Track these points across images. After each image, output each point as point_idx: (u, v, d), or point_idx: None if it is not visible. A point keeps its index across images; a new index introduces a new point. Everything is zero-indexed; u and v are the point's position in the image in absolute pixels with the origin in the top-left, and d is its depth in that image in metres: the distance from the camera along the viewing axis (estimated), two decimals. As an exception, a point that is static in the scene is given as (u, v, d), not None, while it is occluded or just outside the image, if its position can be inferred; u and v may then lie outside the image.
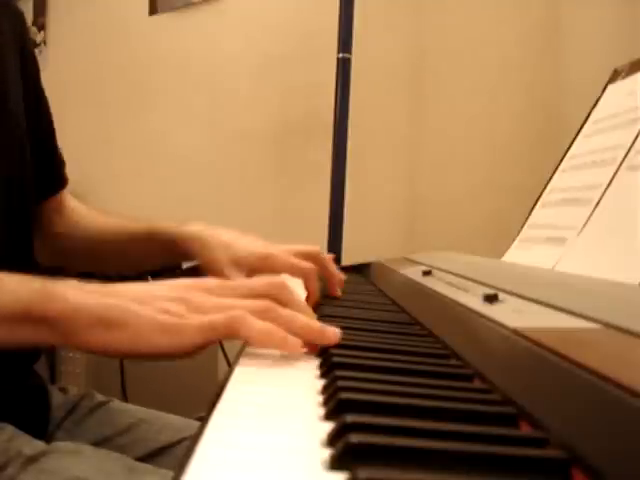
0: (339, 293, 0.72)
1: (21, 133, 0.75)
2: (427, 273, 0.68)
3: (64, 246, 0.88)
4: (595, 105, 0.85)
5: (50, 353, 1.68)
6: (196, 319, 0.44)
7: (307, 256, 0.72)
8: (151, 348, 0.44)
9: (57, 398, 0.79)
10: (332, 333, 0.44)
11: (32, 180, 0.77)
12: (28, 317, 0.45)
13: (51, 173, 0.87)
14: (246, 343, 0.46)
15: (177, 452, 0.73)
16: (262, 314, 0.44)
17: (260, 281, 0.51)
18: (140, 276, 1.13)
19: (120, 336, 0.43)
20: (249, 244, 0.77)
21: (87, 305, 0.44)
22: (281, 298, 0.49)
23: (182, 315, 0.44)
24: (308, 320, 0.46)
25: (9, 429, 0.62)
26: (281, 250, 0.74)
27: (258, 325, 0.43)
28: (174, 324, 0.44)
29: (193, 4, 2.15)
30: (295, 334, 0.44)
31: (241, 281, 0.53)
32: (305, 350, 0.45)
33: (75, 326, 0.44)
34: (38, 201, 0.81)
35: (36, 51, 2.80)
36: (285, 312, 0.46)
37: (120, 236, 0.84)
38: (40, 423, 0.74)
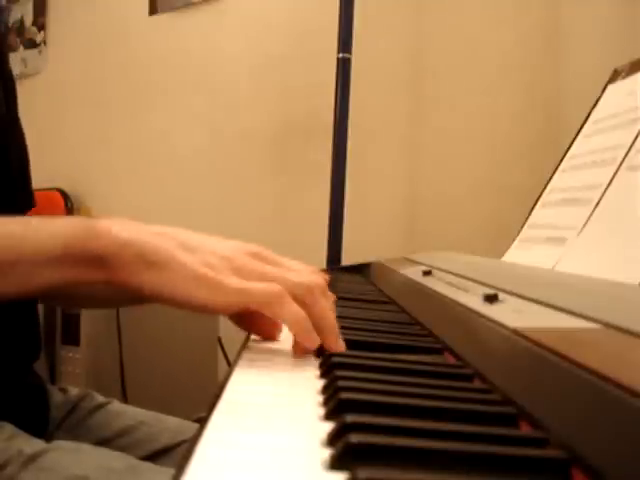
0: None
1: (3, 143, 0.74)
2: (427, 273, 0.68)
3: None
4: (595, 105, 0.85)
5: (50, 353, 1.68)
6: (235, 280, 0.44)
7: None
8: (186, 297, 0.44)
9: (57, 398, 0.79)
10: (341, 346, 0.44)
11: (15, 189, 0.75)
12: (72, 256, 0.45)
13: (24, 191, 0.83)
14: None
15: (176, 455, 0.73)
16: (302, 297, 0.45)
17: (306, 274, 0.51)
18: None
19: (158, 278, 0.44)
20: None
21: (132, 241, 0.44)
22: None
23: (223, 272, 0.44)
24: (335, 323, 0.46)
25: (9, 428, 0.62)
26: None
27: (293, 308, 0.44)
28: (212, 278, 0.44)
29: (193, 4, 2.15)
30: (318, 328, 0.45)
31: (291, 265, 0.52)
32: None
33: (120, 262, 0.44)
34: None
35: (36, 51, 2.80)
36: (321, 305, 0.46)
37: None
38: (40, 423, 0.74)
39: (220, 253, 0.46)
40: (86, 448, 0.63)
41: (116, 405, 0.81)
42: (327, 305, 0.47)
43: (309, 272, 0.50)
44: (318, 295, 0.47)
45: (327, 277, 0.62)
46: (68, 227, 0.46)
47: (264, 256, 0.49)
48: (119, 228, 0.45)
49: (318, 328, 0.45)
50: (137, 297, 0.49)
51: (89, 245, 0.45)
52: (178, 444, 0.74)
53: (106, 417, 0.78)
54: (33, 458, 0.58)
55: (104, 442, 0.74)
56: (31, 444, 0.60)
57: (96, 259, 0.45)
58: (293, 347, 0.46)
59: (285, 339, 0.49)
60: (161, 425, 0.78)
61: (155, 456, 0.73)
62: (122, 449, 0.72)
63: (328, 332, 0.45)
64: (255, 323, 0.50)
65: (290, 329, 0.45)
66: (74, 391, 0.81)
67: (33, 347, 0.76)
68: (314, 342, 0.44)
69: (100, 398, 0.81)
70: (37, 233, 0.47)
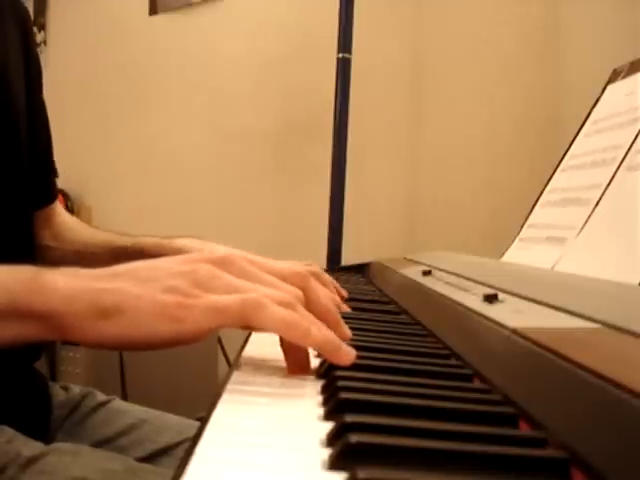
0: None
1: (21, 136, 0.74)
2: (427, 273, 0.68)
3: (51, 259, 0.83)
4: (595, 105, 0.85)
5: (50, 353, 1.68)
6: (203, 300, 0.38)
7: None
8: (150, 335, 0.38)
9: (59, 397, 0.79)
10: (345, 354, 0.39)
11: (27, 184, 0.75)
12: (15, 312, 0.40)
13: (45, 183, 0.84)
14: (257, 330, 0.41)
15: (178, 453, 0.73)
16: (287, 306, 0.40)
17: (287, 269, 0.46)
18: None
19: (116, 324, 0.38)
20: None
21: (79, 293, 0.39)
22: (309, 288, 0.45)
23: (188, 294, 0.39)
24: (326, 331, 0.40)
25: (8, 431, 0.61)
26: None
27: (278, 313, 0.38)
28: (173, 304, 0.38)
29: (193, 4, 2.15)
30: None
31: (264, 265, 0.46)
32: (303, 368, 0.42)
33: (68, 319, 0.39)
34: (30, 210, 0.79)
35: (36, 51, 2.76)
36: (306, 313, 0.41)
37: (106, 250, 0.81)
38: (41, 425, 0.74)
39: (179, 269, 0.40)
40: (85, 450, 0.63)
41: (118, 403, 0.81)
42: (323, 295, 0.44)
43: (295, 277, 0.45)
44: (298, 303, 0.41)
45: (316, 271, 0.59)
46: (12, 280, 0.41)
47: (232, 261, 0.43)
48: (65, 280, 0.40)
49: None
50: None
51: (34, 301, 0.39)
52: (180, 443, 0.74)
53: (108, 415, 0.78)
54: (32, 461, 0.58)
55: (106, 441, 0.74)
56: (30, 447, 0.60)
57: (43, 317, 0.39)
58: (287, 366, 0.42)
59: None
60: (163, 423, 0.78)
61: (157, 455, 0.73)
62: (124, 448, 0.72)
63: (319, 343, 0.39)
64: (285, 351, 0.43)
65: (285, 336, 0.40)
66: (76, 389, 0.81)
67: (35, 346, 0.76)
68: (316, 340, 0.39)
69: (102, 396, 0.81)
70: None
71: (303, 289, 0.45)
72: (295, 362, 0.42)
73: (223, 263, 0.42)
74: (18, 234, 0.73)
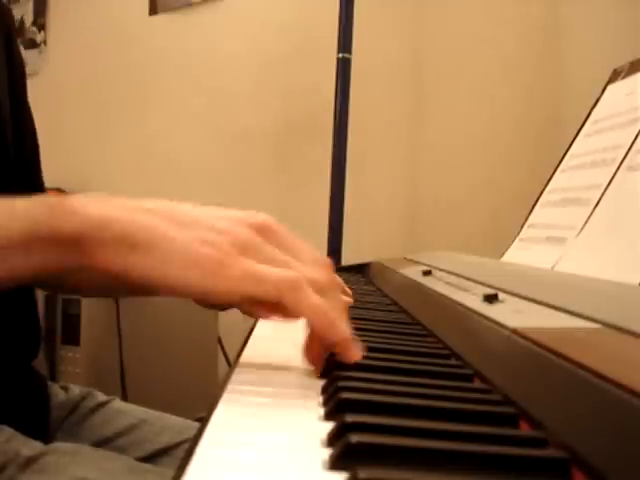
0: None
1: (7, 141, 0.72)
2: (427, 273, 0.68)
3: None
4: (595, 105, 0.85)
5: (50, 352, 1.68)
6: (242, 263, 0.37)
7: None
8: (182, 281, 0.37)
9: (58, 397, 0.79)
10: (356, 353, 0.38)
11: (15, 190, 0.74)
12: (43, 238, 0.38)
13: (33, 185, 0.80)
14: (284, 313, 0.39)
15: (178, 454, 0.73)
16: (319, 291, 0.38)
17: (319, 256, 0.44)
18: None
19: (145, 260, 0.37)
20: None
21: (112, 220, 0.37)
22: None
23: (225, 251, 0.37)
24: (347, 327, 0.39)
25: (7, 430, 0.61)
26: None
27: (312, 299, 0.37)
28: (212, 258, 0.36)
29: (193, 4, 2.15)
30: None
31: (299, 243, 0.43)
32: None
33: (95, 243, 0.37)
34: None
35: (36, 51, 2.79)
36: (336, 303, 0.39)
37: None
38: (40, 424, 0.73)
39: (220, 227, 0.39)
40: (85, 450, 0.63)
41: (117, 404, 0.81)
42: (344, 305, 0.42)
43: (321, 265, 0.43)
44: (336, 292, 0.40)
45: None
46: (33, 207, 0.39)
47: (273, 230, 0.41)
48: (94, 204, 0.38)
49: None
50: (124, 285, 0.42)
51: (59, 225, 0.38)
52: (179, 443, 0.74)
53: (107, 416, 0.78)
54: (31, 460, 0.58)
55: (105, 441, 0.74)
56: (29, 446, 0.60)
57: (68, 241, 0.38)
58: (306, 352, 0.40)
59: (285, 337, 0.49)
60: (162, 424, 0.78)
61: (156, 455, 0.73)
62: (123, 448, 0.72)
63: (334, 334, 0.39)
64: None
65: (312, 323, 0.39)
66: (76, 390, 0.81)
67: (32, 343, 0.76)
68: (337, 333, 0.38)
69: (102, 397, 0.81)
70: None
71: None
72: (312, 352, 0.40)
73: (263, 230, 0.40)
74: None
